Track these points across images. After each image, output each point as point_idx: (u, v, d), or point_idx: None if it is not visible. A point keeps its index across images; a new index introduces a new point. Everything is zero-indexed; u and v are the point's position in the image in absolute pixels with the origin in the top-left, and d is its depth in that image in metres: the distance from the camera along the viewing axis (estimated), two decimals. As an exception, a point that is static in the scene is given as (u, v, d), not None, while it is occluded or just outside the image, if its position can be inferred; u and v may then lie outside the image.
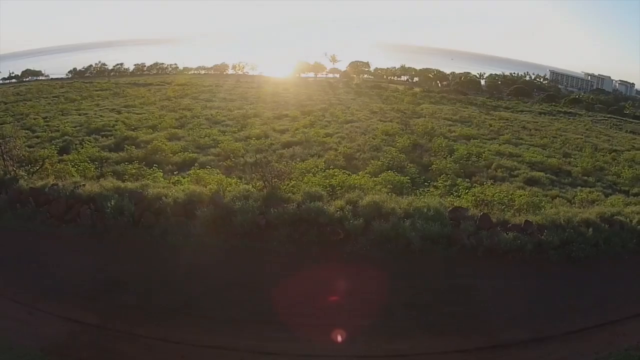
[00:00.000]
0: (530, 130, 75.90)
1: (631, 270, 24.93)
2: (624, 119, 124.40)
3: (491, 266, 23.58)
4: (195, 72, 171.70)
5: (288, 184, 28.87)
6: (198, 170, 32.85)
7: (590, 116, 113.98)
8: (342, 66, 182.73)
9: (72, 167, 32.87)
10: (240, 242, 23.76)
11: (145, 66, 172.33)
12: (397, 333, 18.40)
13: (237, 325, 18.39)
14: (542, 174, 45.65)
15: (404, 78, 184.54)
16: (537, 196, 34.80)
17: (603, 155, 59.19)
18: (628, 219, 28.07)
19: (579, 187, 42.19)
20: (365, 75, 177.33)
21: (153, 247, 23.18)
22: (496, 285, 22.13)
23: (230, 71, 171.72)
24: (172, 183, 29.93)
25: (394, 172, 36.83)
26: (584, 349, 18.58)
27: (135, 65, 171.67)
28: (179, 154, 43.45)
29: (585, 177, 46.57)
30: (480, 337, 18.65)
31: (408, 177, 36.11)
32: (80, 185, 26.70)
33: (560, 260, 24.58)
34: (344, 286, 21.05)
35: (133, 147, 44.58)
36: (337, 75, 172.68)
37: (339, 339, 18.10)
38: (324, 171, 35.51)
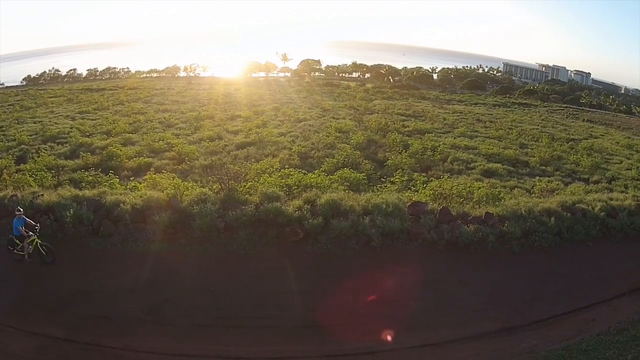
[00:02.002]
0: (485, 122, 77.34)
1: (596, 257, 25.63)
2: (581, 108, 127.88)
3: (454, 259, 23.99)
4: (147, 75, 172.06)
5: (245, 186, 28.94)
6: (154, 175, 32.79)
7: (545, 106, 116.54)
8: (294, 65, 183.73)
9: (29, 176, 32.57)
10: (200, 247, 23.74)
11: (97, 71, 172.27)
12: (364, 330, 18.57)
13: (203, 331, 18.29)
14: (499, 165, 46.68)
15: (355, 75, 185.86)
16: (496, 187, 35.55)
17: (560, 145, 60.80)
18: (590, 207, 28.84)
19: (538, 177, 43.24)
20: (317, 73, 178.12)
21: (114, 255, 22.90)
22: (461, 278, 22.46)
23: (182, 73, 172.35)
24: (129, 189, 29.74)
25: (349, 169, 37.13)
26: (554, 336, 18.94)
27: (88, 70, 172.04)
28: (134, 159, 43.84)
29: (543, 167, 47.84)
30: (449, 331, 18.85)
31: (364, 174, 36.42)
32: (39, 195, 26.37)
33: (524, 250, 25.21)
34: (307, 286, 21.12)
35: (88, 153, 44.72)
36: (289, 74, 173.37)
37: (307, 338, 18.29)
38: (280, 171, 35.73)
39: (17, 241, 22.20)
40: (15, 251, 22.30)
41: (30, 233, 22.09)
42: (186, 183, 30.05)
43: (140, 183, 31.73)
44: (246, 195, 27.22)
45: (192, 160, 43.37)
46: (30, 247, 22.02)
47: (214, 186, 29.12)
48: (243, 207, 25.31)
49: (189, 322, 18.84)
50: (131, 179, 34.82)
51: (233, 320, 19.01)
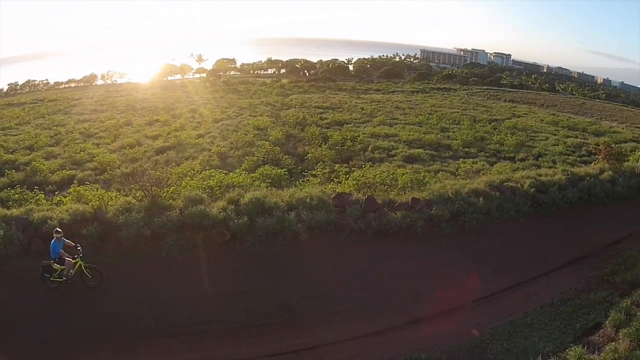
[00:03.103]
0: (404, 109, 78.47)
1: (529, 233, 26.42)
2: (502, 89, 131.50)
3: (385, 247, 24.10)
4: (66, 85, 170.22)
5: (167, 191, 28.45)
6: (78, 188, 31.83)
7: (465, 90, 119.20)
8: (209, 65, 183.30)
9: None
10: (129, 257, 23.24)
11: (18, 85, 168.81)
12: (302, 327, 18.53)
13: (144, 342, 17.94)
14: (421, 150, 47.36)
15: (270, 71, 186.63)
16: (420, 172, 35.91)
17: (483, 126, 62.12)
18: (519, 184, 29.73)
19: (462, 159, 43.94)
20: (232, 72, 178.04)
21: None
22: (393, 265, 22.57)
23: (99, 81, 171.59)
24: (55, 204, 28.85)
25: (270, 165, 36.93)
26: (497, 313, 19.41)
27: (8, 84, 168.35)
28: (58, 172, 43.29)
29: (467, 149, 48.68)
30: (387, 318, 18.87)
31: (285, 169, 36.30)
32: (-32, 219, 25.27)
33: (454, 232, 25.63)
34: (239, 287, 21.01)
35: (13, 170, 43.59)
36: (204, 75, 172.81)
37: (246, 339, 18.06)
38: (201, 173, 35.42)
39: (56, 265, 20.70)
40: (51, 278, 20.78)
41: (75, 256, 20.90)
42: (110, 193, 29.32)
43: (65, 197, 30.75)
44: (170, 201, 26.86)
45: (114, 169, 42.90)
46: (71, 271, 20.78)
47: (137, 194, 28.56)
48: (168, 213, 24.97)
49: (129, 335, 18.47)
50: (56, 193, 33.93)
51: (171, 329, 18.78)
